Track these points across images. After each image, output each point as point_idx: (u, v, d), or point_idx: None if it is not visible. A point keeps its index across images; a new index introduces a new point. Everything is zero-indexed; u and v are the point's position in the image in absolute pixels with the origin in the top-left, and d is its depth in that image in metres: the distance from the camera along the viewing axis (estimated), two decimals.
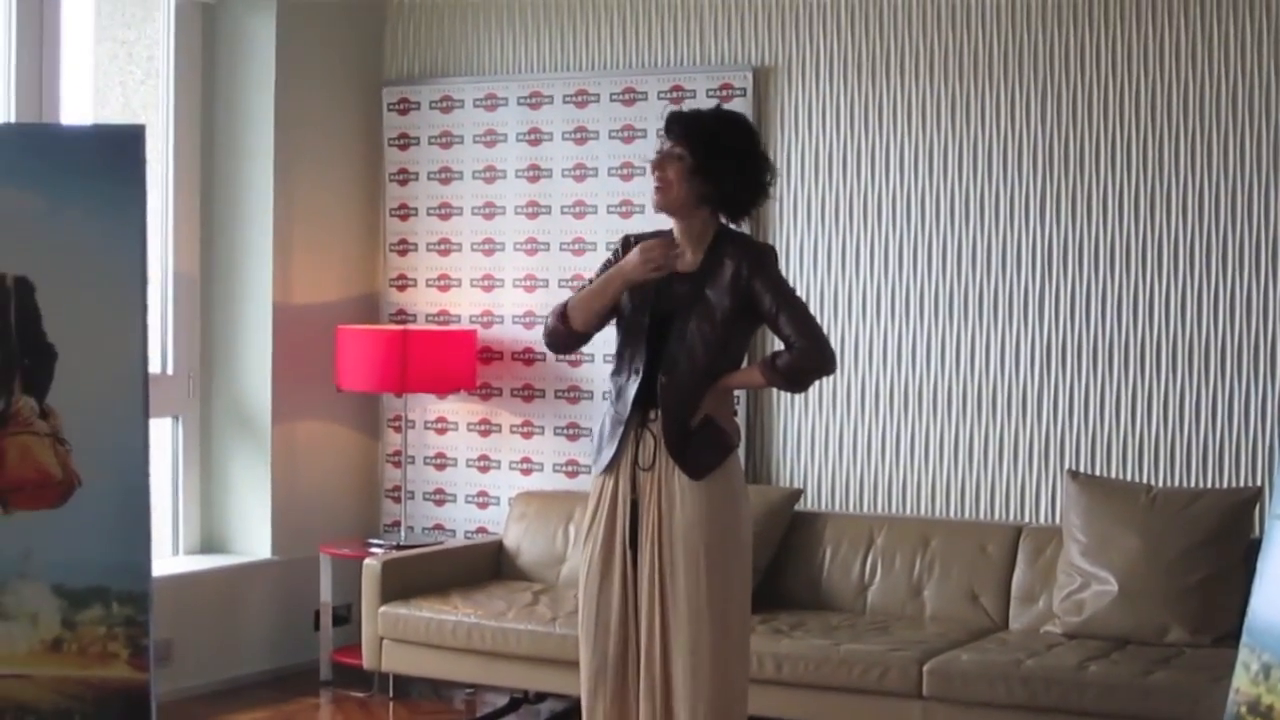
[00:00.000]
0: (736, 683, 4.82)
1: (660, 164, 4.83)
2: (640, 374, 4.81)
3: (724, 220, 4.92)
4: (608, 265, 4.97)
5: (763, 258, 4.87)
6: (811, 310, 4.92)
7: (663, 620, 4.75)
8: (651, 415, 4.80)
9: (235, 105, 7.56)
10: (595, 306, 4.91)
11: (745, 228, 5.11)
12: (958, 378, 6.83)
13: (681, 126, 4.86)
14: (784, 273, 4.95)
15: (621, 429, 4.84)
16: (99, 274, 5.23)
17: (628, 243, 4.99)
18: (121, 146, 5.28)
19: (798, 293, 4.94)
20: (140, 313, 5.24)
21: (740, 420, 5.35)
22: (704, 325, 4.78)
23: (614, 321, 4.97)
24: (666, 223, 4.96)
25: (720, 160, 4.82)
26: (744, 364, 4.96)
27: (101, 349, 5.22)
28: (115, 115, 7.38)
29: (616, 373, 4.91)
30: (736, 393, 5.11)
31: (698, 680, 4.70)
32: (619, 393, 4.88)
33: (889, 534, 6.71)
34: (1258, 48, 6.35)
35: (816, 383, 5.15)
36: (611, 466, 4.85)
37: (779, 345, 4.87)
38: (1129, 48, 6.55)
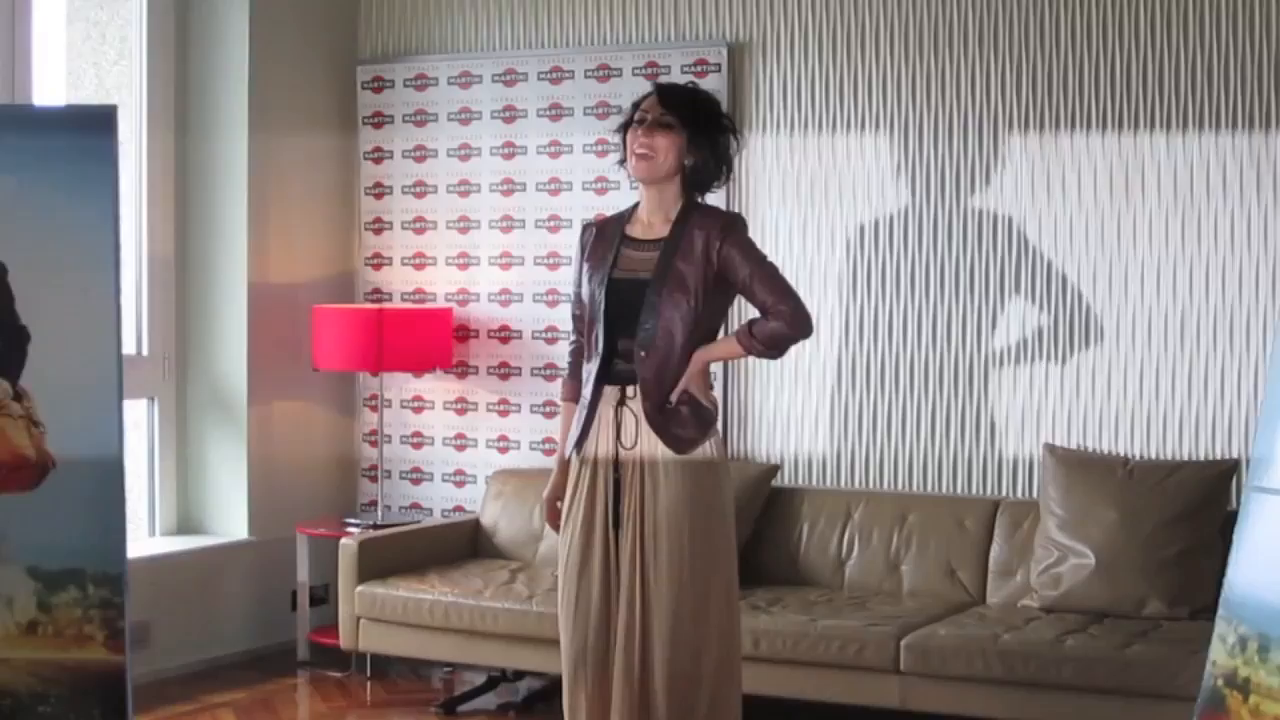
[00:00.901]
0: (728, 662, 4.79)
1: (651, 131, 4.80)
2: (602, 352, 4.80)
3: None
4: (582, 254, 4.97)
5: (733, 226, 4.86)
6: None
7: (643, 598, 4.72)
8: (630, 393, 4.79)
9: (209, 85, 7.52)
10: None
11: (720, 201, 5.09)
12: (934, 352, 6.82)
13: (678, 100, 4.86)
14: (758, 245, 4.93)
15: (589, 409, 4.82)
16: (72, 255, 5.19)
17: (587, 229, 5.00)
18: (94, 127, 5.23)
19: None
20: (114, 294, 5.20)
21: (717, 395, 5.35)
22: (679, 299, 4.76)
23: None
24: (627, 201, 4.93)
25: (707, 140, 4.84)
26: (720, 336, 4.95)
27: (76, 330, 5.18)
28: (88, 96, 7.34)
29: (587, 360, 4.90)
30: (713, 366, 5.08)
31: (676, 656, 4.69)
32: (587, 376, 4.87)
33: (866, 509, 6.71)
34: (1235, 22, 6.36)
35: (793, 356, 5.14)
36: (589, 447, 4.83)
37: (754, 313, 4.86)
38: (1103, 21, 6.54)
